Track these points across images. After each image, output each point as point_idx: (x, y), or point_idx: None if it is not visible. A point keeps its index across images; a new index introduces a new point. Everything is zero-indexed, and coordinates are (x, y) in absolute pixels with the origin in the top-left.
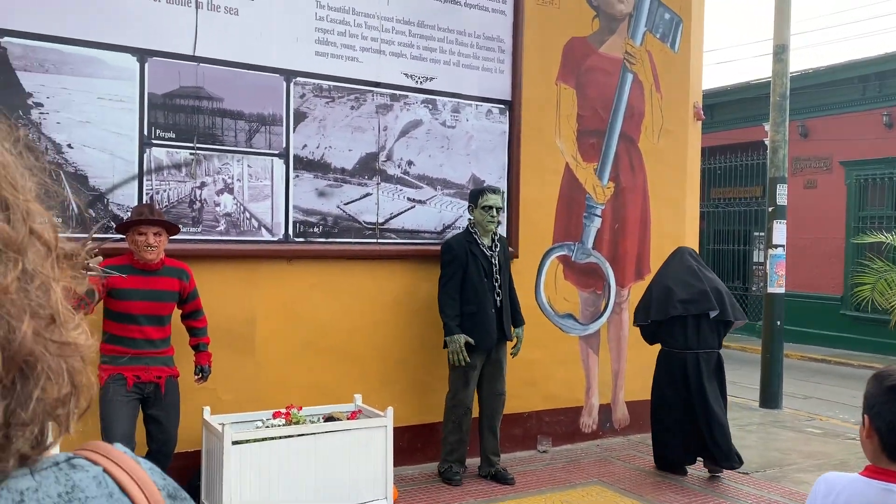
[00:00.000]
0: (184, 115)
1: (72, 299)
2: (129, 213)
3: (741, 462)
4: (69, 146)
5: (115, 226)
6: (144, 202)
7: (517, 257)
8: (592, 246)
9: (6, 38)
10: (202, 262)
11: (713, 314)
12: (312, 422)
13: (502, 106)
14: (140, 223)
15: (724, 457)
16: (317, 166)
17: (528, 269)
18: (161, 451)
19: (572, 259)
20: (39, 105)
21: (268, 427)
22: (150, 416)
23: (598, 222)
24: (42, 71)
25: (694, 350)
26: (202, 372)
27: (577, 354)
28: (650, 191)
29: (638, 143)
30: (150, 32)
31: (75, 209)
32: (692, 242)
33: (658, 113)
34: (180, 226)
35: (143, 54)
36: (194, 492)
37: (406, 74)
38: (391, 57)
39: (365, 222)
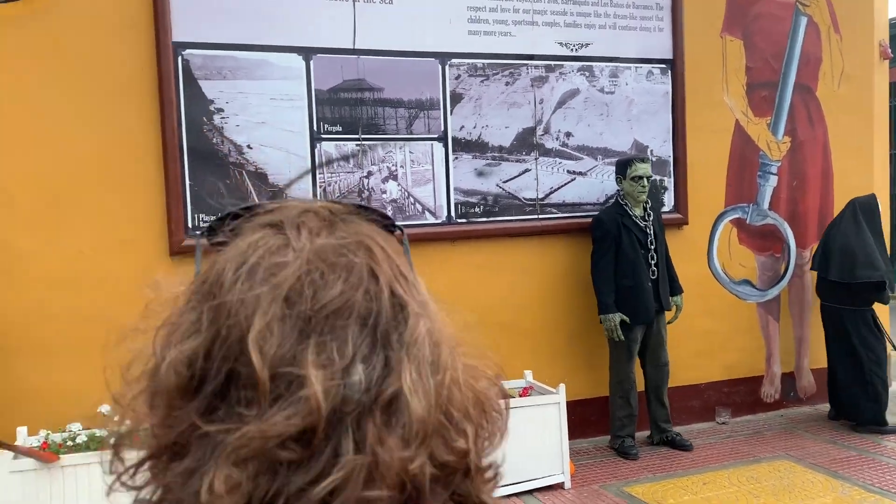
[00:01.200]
0: (348, 107)
1: None
2: None
3: (874, 427)
4: (248, 147)
5: None
6: (318, 198)
7: (687, 224)
8: (769, 206)
9: (188, 51)
10: None
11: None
12: None
13: (663, 66)
14: None
15: (850, 411)
16: (474, 146)
17: (699, 236)
18: None
19: (747, 222)
20: (220, 111)
21: None
22: None
23: (773, 181)
24: (220, 78)
25: (823, 303)
26: None
27: (756, 322)
28: (831, 142)
29: (816, 91)
30: (312, 31)
31: None
32: (882, 192)
33: (837, 57)
34: None
35: (307, 53)
36: None
37: (560, 43)
38: (544, 27)
39: (525, 199)
